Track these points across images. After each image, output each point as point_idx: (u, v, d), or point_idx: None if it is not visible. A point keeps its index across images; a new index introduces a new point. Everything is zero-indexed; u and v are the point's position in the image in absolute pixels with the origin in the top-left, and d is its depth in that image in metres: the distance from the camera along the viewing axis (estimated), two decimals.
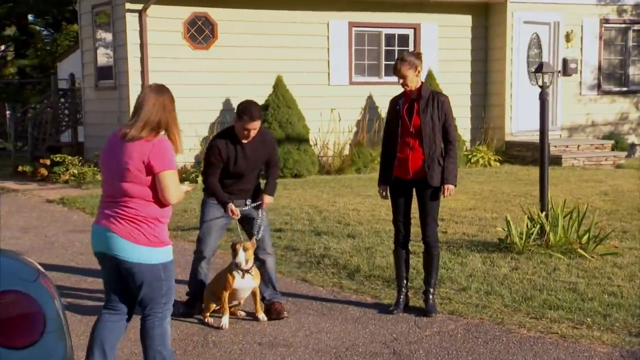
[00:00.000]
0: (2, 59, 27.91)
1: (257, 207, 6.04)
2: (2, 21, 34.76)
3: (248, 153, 5.89)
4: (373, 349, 5.38)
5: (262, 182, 6.27)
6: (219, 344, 5.53)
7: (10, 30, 37.02)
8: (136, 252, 4.18)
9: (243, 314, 6.13)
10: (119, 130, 4.27)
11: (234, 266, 5.77)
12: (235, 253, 5.76)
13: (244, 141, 5.85)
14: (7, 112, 27.01)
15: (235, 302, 6.02)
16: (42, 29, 37.15)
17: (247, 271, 5.78)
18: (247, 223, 6.10)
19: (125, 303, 4.42)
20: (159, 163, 4.12)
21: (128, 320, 4.50)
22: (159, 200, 4.21)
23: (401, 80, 6.00)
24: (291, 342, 5.54)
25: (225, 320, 5.84)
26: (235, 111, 6.09)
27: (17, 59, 36.42)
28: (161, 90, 4.29)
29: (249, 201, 6.03)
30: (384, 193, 6.23)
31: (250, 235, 6.06)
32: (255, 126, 5.78)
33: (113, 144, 4.27)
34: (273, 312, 6.04)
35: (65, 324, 3.44)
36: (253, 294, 5.98)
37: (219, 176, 5.92)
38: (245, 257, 5.71)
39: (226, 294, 5.83)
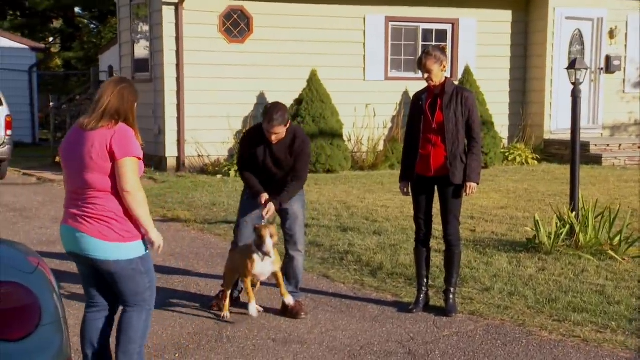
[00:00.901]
0: (47, 50, 28.34)
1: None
2: (49, 14, 35.31)
3: (275, 152, 5.83)
4: (388, 348, 5.28)
5: None
6: (233, 339, 5.48)
7: (57, 23, 37.60)
8: (109, 250, 4.08)
9: (261, 309, 6.03)
10: (79, 123, 4.20)
11: (261, 253, 5.55)
12: (262, 240, 5.49)
13: (271, 141, 5.82)
14: (51, 103, 27.42)
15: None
16: (89, 21, 37.66)
17: (269, 255, 5.57)
18: (282, 216, 6.05)
19: (107, 297, 4.35)
20: (120, 149, 4.03)
21: (114, 314, 4.43)
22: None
23: (426, 75, 5.89)
24: (306, 339, 5.47)
25: (252, 308, 5.60)
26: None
27: (63, 52, 36.98)
28: (122, 81, 4.26)
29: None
30: (405, 190, 6.13)
31: (283, 228, 6.03)
32: (273, 130, 5.68)
33: (74, 136, 4.19)
34: (289, 311, 5.94)
35: (63, 317, 3.42)
36: (276, 278, 5.75)
37: (250, 168, 5.92)
38: (272, 245, 5.53)
39: (248, 281, 5.66)
